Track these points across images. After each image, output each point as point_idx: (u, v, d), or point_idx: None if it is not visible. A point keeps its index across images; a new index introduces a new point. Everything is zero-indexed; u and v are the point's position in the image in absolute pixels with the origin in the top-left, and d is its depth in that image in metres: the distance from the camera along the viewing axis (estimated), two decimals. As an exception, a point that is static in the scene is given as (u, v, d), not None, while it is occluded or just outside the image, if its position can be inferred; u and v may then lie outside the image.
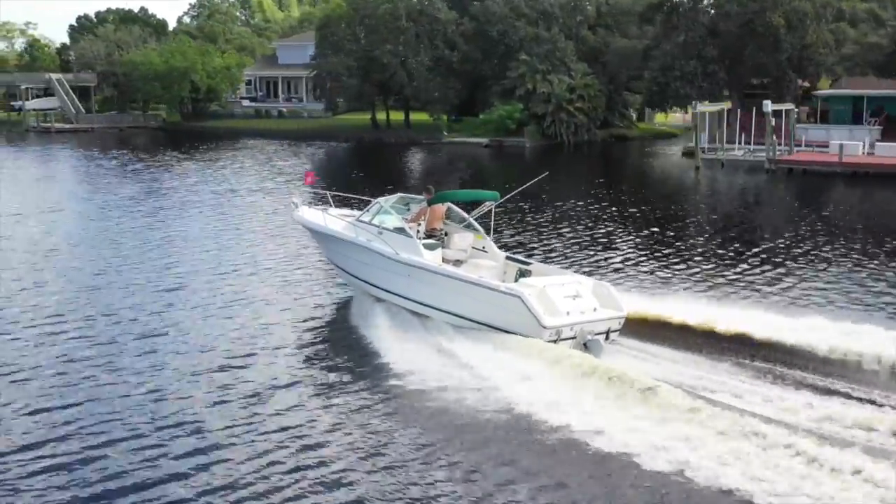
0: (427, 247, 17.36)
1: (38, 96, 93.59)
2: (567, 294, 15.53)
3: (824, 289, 21.60)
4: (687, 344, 15.66)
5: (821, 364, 14.64)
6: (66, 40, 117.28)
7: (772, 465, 11.12)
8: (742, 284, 21.93)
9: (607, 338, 15.46)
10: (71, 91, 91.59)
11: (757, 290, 21.25)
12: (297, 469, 11.92)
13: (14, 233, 30.15)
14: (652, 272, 23.46)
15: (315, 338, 17.72)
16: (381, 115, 77.39)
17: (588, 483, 11.50)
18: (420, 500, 11.14)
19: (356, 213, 19.71)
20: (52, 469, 11.93)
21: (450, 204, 18.83)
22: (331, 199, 21.24)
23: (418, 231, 18.09)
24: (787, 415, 12.59)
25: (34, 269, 24.09)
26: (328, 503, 11.12)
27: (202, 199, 39.03)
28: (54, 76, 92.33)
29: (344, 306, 19.76)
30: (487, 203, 18.80)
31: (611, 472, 11.65)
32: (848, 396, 13.65)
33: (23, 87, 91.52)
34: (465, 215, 18.63)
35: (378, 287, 18.14)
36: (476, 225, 18.50)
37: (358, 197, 22.40)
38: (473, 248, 18.24)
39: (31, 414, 13.73)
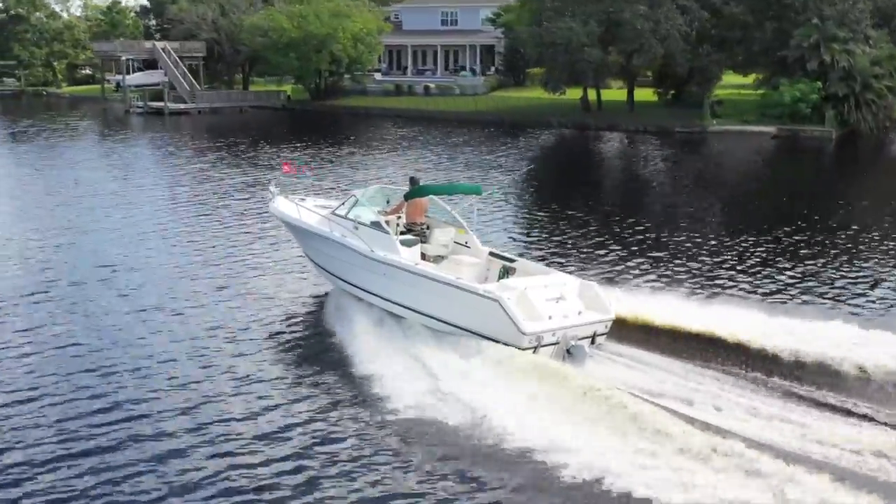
0: (404, 243, 16.39)
1: (139, 69, 77.59)
2: (550, 296, 14.53)
3: None
4: (683, 351, 14.62)
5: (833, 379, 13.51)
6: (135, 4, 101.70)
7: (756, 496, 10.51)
8: None
9: (593, 342, 14.55)
10: (181, 63, 75.62)
11: None
12: (253, 473, 11.73)
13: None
14: None
15: (285, 340, 16.93)
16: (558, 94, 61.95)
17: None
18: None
19: (334, 204, 18.75)
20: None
21: (432, 196, 17.87)
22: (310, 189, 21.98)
23: (398, 225, 17.19)
24: (777, 435, 11.91)
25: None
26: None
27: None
28: (159, 45, 76.23)
29: (319, 305, 18.78)
30: (471, 197, 18.11)
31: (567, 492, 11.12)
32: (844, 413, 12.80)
33: (123, 58, 75.29)
34: (448, 208, 17.80)
35: (353, 285, 17.28)
36: (459, 219, 17.59)
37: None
38: (456, 242, 17.19)
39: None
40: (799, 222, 28.41)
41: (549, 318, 14.24)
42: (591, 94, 61.68)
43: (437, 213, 18.07)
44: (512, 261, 16.59)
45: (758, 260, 23.44)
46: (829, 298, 19.82)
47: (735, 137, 53.27)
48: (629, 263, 22.76)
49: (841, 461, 11.35)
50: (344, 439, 12.69)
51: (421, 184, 17.88)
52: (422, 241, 16.98)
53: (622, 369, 14.13)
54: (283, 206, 19.11)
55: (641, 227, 27.99)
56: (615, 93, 64.84)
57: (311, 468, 11.88)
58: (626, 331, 15.30)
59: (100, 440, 12.70)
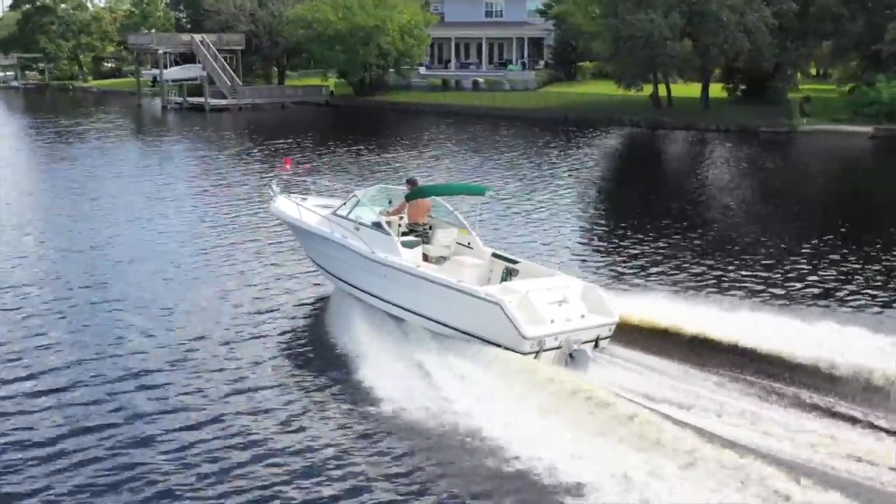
0: (406, 244, 16.12)
1: (177, 62, 74.20)
2: (552, 300, 14.23)
3: None
4: (693, 355, 14.08)
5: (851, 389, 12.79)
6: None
7: None
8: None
9: (596, 346, 14.23)
10: (219, 56, 72.28)
11: None
12: (245, 472, 11.57)
13: None
14: None
15: (284, 340, 16.61)
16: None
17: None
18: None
19: (337, 202, 18.24)
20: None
21: (434, 197, 17.53)
22: (312, 188, 20.40)
23: (400, 226, 16.92)
24: (786, 445, 11.39)
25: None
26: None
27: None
28: (197, 37, 72.81)
29: (320, 305, 18.47)
30: (475, 198, 18.04)
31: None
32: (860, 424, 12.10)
33: (161, 51, 71.90)
34: (451, 208, 17.35)
35: (354, 286, 16.99)
36: (462, 219, 17.21)
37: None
38: (458, 243, 16.91)
39: None
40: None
41: (552, 321, 13.95)
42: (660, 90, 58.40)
43: (440, 213, 17.76)
44: (515, 262, 16.25)
45: (827, 267, 21.54)
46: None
47: (828, 138, 49.72)
48: (688, 273, 21.05)
49: (855, 474, 10.82)
50: (338, 441, 12.49)
51: (420, 185, 17.69)
52: (424, 242, 16.73)
53: (627, 374, 13.72)
54: (284, 205, 18.69)
55: (714, 237, 25.53)
56: (683, 88, 61.40)
57: (304, 468, 11.73)
58: (637, 334, 14.87)
59: (98, 438, 12.52)
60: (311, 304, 18.77)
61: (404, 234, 16.70)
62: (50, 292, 19.42)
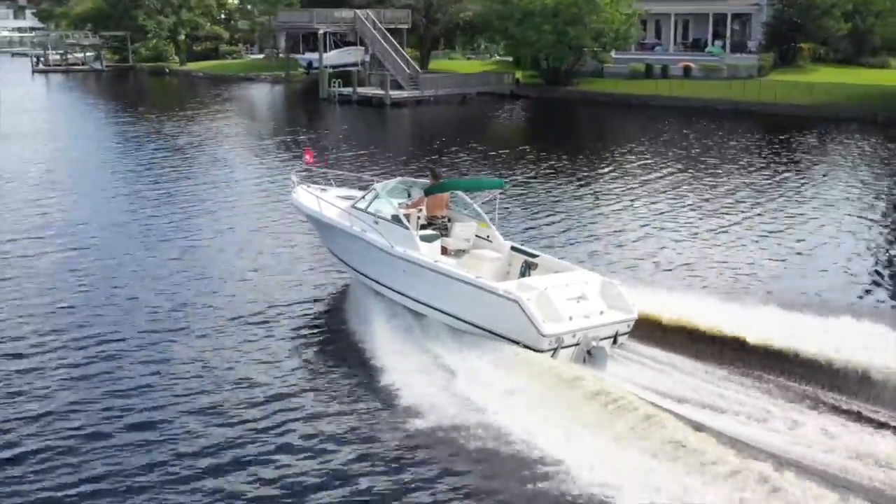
0: (425, 238, 15.96)
1: (336, 45, 61.57)
2: (571, 296, 14.16)
3: None
4: (712, 353, 13.88)
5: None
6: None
7: None
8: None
9: (615, 342, 14.16)
10: (390, 36, 59.67)
11: None
12: (257, 474, 11.37)
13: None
14: None
15: (302, 331, 16.58)
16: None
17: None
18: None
19: (356, 193, 18.39)
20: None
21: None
22: (332, 179, 20.22)
23: (419, 218, 16.86)
24: (809, 450, 10.95)
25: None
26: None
27: None
28: (360, 13, 60.09)
29: (338, 297, 18.35)
30: (493, 191, 17.80)
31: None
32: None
33: (321, 30, 59.15)
34: (470, 201, 17.39)
35: (373, 280, 16.92)
36: (481, 212, 17.14)
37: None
38: (478, 236, 16.86)
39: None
40: None
41: (570, 318, 13.72)
42: None
43: (460, 206, 17.51)
44: (534, 256, 15.94)
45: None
46: None
47: None
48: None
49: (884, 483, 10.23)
50: (349, 432, 12.41)
51: (442, 178, 17.51)
52: (443, 235, 16.47)
53: (645, 371, 13.43)
54: (304, 197, 18.31)
55: None
56: None
57: (313, 459, 11.68)
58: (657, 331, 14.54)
59: (110, 427, 12.52)
60: (330, 294, 18.41)
61: (423, 227, 16.48)
62: (64, 279, 19.10)
